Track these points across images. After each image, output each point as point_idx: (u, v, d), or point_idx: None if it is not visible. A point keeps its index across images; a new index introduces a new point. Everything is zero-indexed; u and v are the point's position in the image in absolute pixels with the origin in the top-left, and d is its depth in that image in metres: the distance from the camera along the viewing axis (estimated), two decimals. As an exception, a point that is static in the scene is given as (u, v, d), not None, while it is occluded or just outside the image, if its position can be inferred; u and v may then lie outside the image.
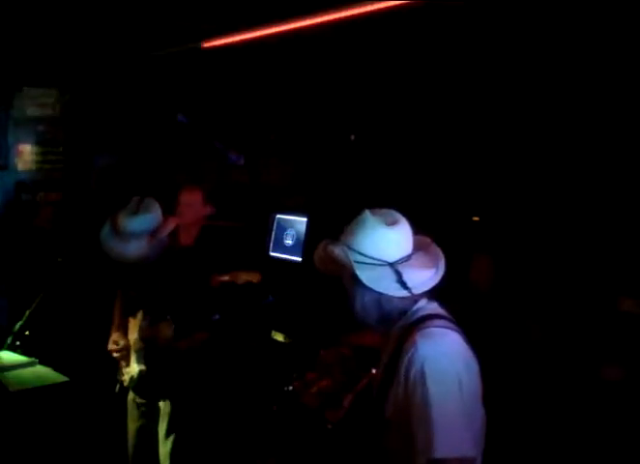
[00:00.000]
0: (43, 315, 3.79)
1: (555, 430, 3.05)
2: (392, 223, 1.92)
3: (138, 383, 3.20)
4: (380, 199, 4.47)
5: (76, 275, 4.77)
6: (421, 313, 1.90)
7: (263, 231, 5.15)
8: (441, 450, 1.69)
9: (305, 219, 4.91)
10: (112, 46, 5.03)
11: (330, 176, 4.99)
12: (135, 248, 3.07)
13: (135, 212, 3.11)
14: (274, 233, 5.13)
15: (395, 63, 4.01)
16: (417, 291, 1.87)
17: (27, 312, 3.70)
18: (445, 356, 1.78)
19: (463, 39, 3.43)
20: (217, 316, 3.38)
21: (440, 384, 1.73)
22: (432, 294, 1.94)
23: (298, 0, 3.53)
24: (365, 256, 1.87)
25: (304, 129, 5.37)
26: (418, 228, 2.03)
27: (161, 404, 3.30)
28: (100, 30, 4.67)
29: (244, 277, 3.42)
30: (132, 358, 3.20)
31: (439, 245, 2.06)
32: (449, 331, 1.86)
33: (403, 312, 1.91)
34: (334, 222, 4.79)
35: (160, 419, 3.30)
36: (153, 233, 3.10)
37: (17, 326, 3.68)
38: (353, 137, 4.87)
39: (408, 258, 1.90)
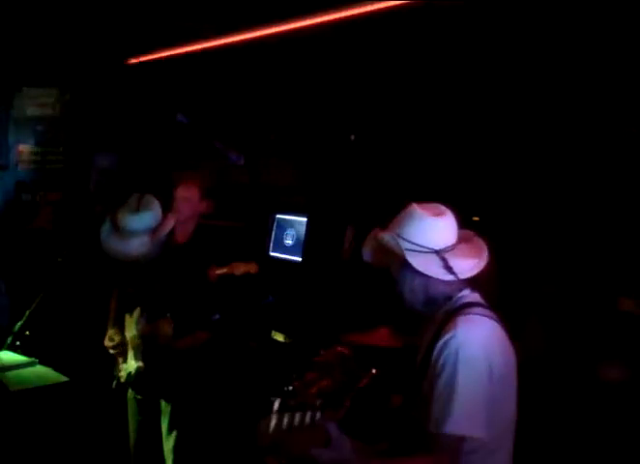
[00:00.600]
0: (43, 315, 3.79)
1: (554, 430, 3.05)
2: (439, 214, 2.06)
3: (135, 380, 3.20)
4: (380, 199, 4.48)
5: (76, 275, 4.77)
6: (464, 300, 2.03)
7: (263, 231, 5.16)
8: (450, 427, 1.81)
9: (304, 219, 4.92)
10: (112, 46, 5.03)
11: (330, 176, 4.99)
12: (136, 246, 3.07)
13: (135, 210, 3.11)
14: (274, 233, 5.13)
15: (395, 63, 4.01)
16: (462, 276, 2.00)
17: (27, 312, 3.70)
18: (480, 342, 1.89)
19: (463, 38, 3.43)
20: (217, 316, 3.37)
21: (469, 368, 1.84)
22: (475, 286, 2.08)
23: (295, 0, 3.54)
24: (414, 244, 2.00)
25: (304, 129, 5.37)
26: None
27: (162, 401, 3.30)
28: (99, 30, 4.67)
29: (241, 269, 3.42)
30: (130, 354, 3.20)
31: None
32: (489, 319, 1.98)
33: (448, 298, 2.04)
34: (334, 222, 4.83)
35: (162, 415, 3.30)
36: (153, 231, 3.10)
37: (17, 326, 3.68)
38: (353, 137, 4.88)
39: (453, 247, 2.04)
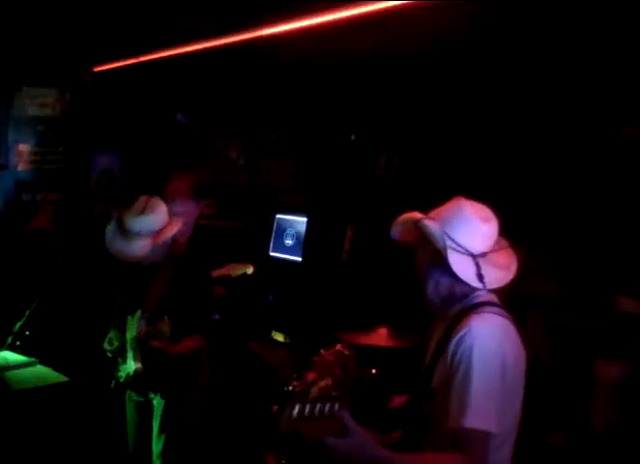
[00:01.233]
0: (43, 315, 3.79)
1: (554, 431, 3.05)
2: (487, 219, 2.05)
3: (134, 380, 3.20)
4: (380, 199, 4.48)
5: (76, 274, 4.77)
6: (479, 299, 2.03)
7: (263, 231, 5.16)
8: (470, 421, 1.81)
9: (305, 219, 4.92)
10: (111, 46, 5.03)
11: (330, 176, 4.99)
12: (139, 248, 3.09)
13: (141, 212, 3.12)
14: (274, 233, 5.13)
15: (395, 62, 4.01)
16: (490, 286, 2.02)
17: (27, 312, 3.70)
18: (495, 339, 1.91)
19: (463, 39, 3.43)
20: (217, 316, 3.37)
21: (485, 363, 1.85)
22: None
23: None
24: (455, 243, 2.00)
25: (304, 129, 5.37)
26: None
27: (155, 402, 3.30)
28: (99, 30, 4.67)
29: (238, 270, 3.42)
30: (129, 355, 3.21)
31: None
32: (502, 317, 1.99)
33: (465, 296, 2.05)
34: (334, 222, 4.82)
35: (154, 416, 3.30)
36: (158, 233, 3.11)
37: (17, 326, 3.68)
38: (353, 137, 4.88)
39: (487, 254, 2.04)
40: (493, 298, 2.06)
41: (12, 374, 3.57)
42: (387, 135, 4.69)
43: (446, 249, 1.97)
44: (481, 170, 3.81)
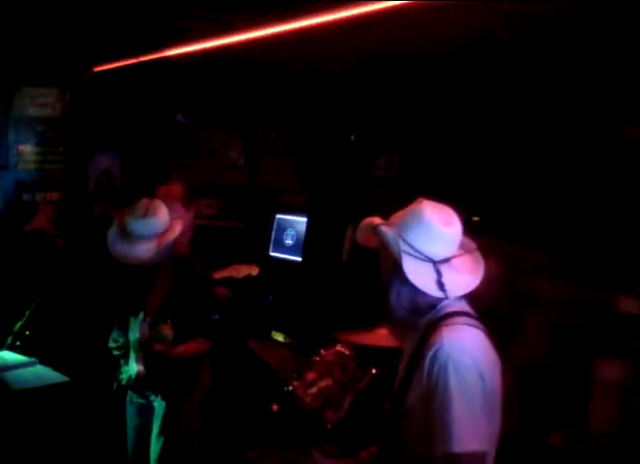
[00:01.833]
0: (43, 315, 3.79)
1: (553, 430, 3.05)
2: (448, 223, 1.94)
3: (136, 382, 3.21)
4: (380, 199, 4.47)
5: (76, 274, 4.77)
6: (448, 309, 1.92)
7: (263, 231, 5.16)
8: (457, 445, 1.73)
9: (305, 219, 4.92)
10: (111, 46, 5.03)
11: (330, 176, 4.99)
12: (142, 251, 3.09)
13: (143, 215, 3.12)
14: (274, 233, 5.13)
15: (395, 62, 4.01)
16: (452, 295, 1.90)
17: (27, 312, 3.70)
18: (469, 353, 1.82)
19: (463, 40, 3.43)
20: (216, 316, 3.37)
21: (462, 380, 1.77)
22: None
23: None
24: (413, 249, 1.89)
25: (304, 129, 5.37)
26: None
27: (156, 404, 3.30)
28: (99, 30, 4.67)
29: (243, 271, 3.42)
30: (132, 357, 3.21)
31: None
32: (474, 328, 1.89)
33: (432, 306, 1.93)
34: (334, 222, 4.82)
35: (155, 417, 3.30)
36: (161, 236, 3.12)
37: (17, 326, 3.68)
38: (353, 137, 4.88)
39: (450, 259, 1.92)
40: (463, 306, 1.96)
41: (12, 374, 3.57)
42: (387, 135, 4.69)
43: (401, 256, 1.87)
44: (481, 170, 3.81)
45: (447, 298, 1.91)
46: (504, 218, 3.60)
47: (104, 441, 3.91)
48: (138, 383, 3.21)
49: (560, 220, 3.39)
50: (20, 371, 3.63)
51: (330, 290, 4.44)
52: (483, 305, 2.72)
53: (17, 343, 3.70)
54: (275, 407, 3.03)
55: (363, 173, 4.78)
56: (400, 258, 1.87)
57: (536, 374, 3.08)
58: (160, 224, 3.15)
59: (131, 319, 3.23)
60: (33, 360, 3.73)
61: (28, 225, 5.26)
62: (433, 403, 1.79)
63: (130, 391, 3.38)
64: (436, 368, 1.79)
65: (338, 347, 2.95)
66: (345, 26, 3.22)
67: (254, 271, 3.45)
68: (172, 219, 3.22)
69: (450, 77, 3.86)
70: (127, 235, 3.11)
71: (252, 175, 5.71)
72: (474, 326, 1.90)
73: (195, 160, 5.70)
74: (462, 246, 1.98)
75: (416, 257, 1.88)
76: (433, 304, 1.93)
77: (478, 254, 2.00)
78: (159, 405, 3.29)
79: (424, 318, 1.94)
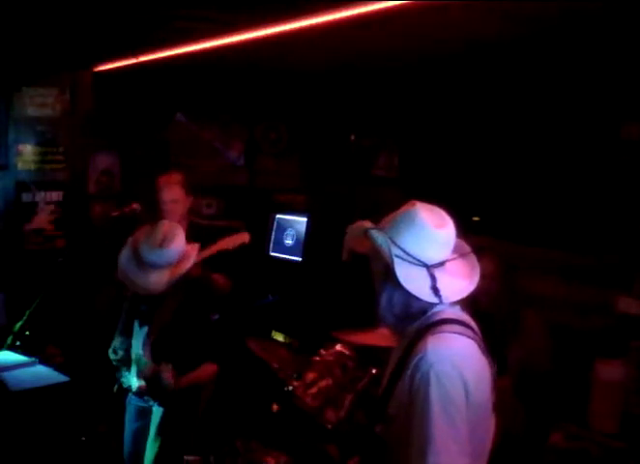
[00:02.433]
0: (43, 315, 3.78)
1: (553, 430, 3.05)
2: (441, 225, 1.86)
3: (136, 393, 3.21)
4: (380, 199, 4.47)
5: (76, 275, 4.77)
6: (439, 316, 1.85)
7: (263, 231, 5.16)
8: (433, 459, 1.68)
9: (304, 219, 4.92)
10: (111, 47, 5.03)
11: (330, 176, 4.99)
12: (153, 282, 2.98)
13: (159, 244, 2.98)
14: (274, 233, 5.13)
15: (395, 62, 4.01)
16: (446, 300, 1.84)
17: (27, 312, 3.70)
18: (454, 363, 1.75)
19: (463, 40, 3.43)
20: (216, 316, 3.37)
21: (444, 390, 1.71)
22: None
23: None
24: (406, 253, 1.82)
25: (304, 129, 5.37)
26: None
27: (155, 408, 3.29)
28: (98, 30, 4.67)
29: (235, 241, 3.33)
30: (133, 370, 3.19)
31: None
32: (462, 337, 1.82)
33: (424, 312, 1.87)
34: (333, 222, 4.82)
35: (151, 422, 3.29)
36: (174, 266, 3.01)
37: (17, 326, 3.68)
38: (353, 137, 4.88)
39: (444, 263, 1.86)
40: (456, 312, 1.88)
41: (11, 374, 3.57)
42: (387, 135, 4.69)
43: (393, 261, 1.80)
44: (482, 170, 3.81)
45: (441, 303, 1.85)
46: (503, 218, 3.60)
47: (102, 442, 3.91)
48: (139, 394, 3.22)
49: (560, 220, 3.39)
50: (20, 371, 3.62)
51: (330, 290, 4.44)
52: (483, 307, 2.73)
53: (17, 343, 3.70)
54: (275, 407, 3.03)
55: (363, 173, 4.78)
56: (392, 263, 1.81)
57: (536, 374, 3.08)
58: (176, 254, 3.01)
59: (136, 327, 3.20)
60: (33, 360, 3.72)
61: (28, 225, 5.26)
62: (413, 412, 1.74)
63: (129, 393, 3.38)
64: (418, 377, 1.74)
65: (338, 347, 2.95)
66: (345, 26, 3.21)
67: (246, 238, 3.34)
68: (188, 247, 3.09)
69: (450, 77, 3.86)
70: (140, 262, 3.00)
71: (252, 175, 5.71)
72: (464, 334, 1.83)
73: (195, 160, 5.70)
74: (456, 250, 1.92)
75: (409, 262, 1.82)
76: (425, 309, 1.86)
77: (473, 258, 1.94)
78: (157, 409, 3.28)
79: (414, 325, 1.88)
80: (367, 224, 1.95)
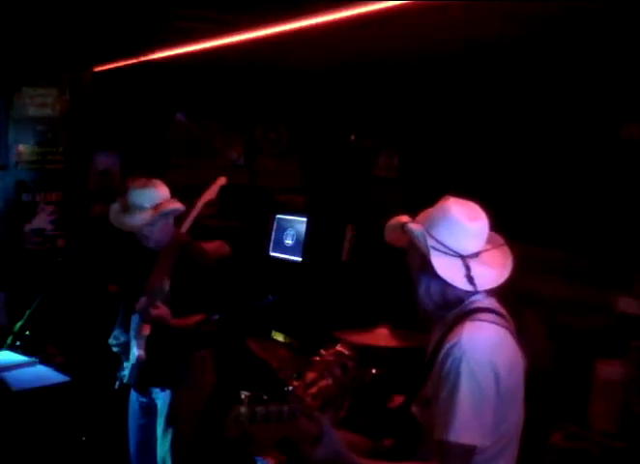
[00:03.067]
0: (43, 315, 3.79)
1: (553, 430, 3.05)
2: (474, 218, 1.98)
3: (137, 371, 3.21)
4: (380, 199, 4.47)
5: (76, 274, 4.77)
6: (475, 305, 1.96)
7: (263, 231, 5.16)
8: (454, 435, 1.78)
9: (304, 219, 4.92)
10: (111, 46, 5.03)
11: (330, 176, 5.00)
12: (140, 219, 3.21)
13: (143, 185, 3.29)
14: (274, 233, 5.13)
15: (394, 63, 4.01)
16: (481, 288, 1.94)
17: (27, 312, 3.70)
18: (487, 350, 1.84)
19: (463, 40, 3.43)
20: (216, 316, 3.37)
21: (474, 376, 1.80)
22: (492, 291, 2.01)
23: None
24: (442, 245, 1.93)
25: (304, 129, 5.37)
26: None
27: (159, 402, 3.30)
28: (98, 30, 4.67)
29: (214, 189, 3.48)
30: (133, 344, 3.21)
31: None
32: (497, 326, 1.91)
33: (461, 300, 1.98)
34: (334, 222, 4.82)
35: (158, 417, 3.30)
36: (158, 206, 3.23)
37: (18, 326, 3.69)
38: (353, 137, 4.88)
39: (478, 254, 1.97)
40: (491, 302, 2.00)
41: (12, 374, 3.57)
42: (386, 135, 4.69)
43: (429, 252, 1.92)
44: (482, 170, 3.81)
45: (476, 291, 1.95)
46: (503, 218, 3.60)
47: (105, 441, 3.92)
48: (140, 372, 3.21)
49: (560, 220, 3.39)
50: (20, 371, 3.63)
51: (330, 290, 4.44)
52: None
53: (17, 343, 3.70)
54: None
55: (363, 173, 4.78)
56: (429, 254, 1.92)
57: (535, 374, 3.08)
58: (159, 195, 3.27)
59: (133, 319, 3.23)
60: (33, 360, 3.72)
61: (28, 225, 5.26)
62: (441, 392, 1.84)
63: (132, 390, 3.38)
64: (449, 361, 1.84)
65: (338, 347, 2.95)
66: (345, 26, 3.22)
67: (223, 180, 3.51)
68: (173, 200, 3.33)
69: (450, 77, 3.86)
70: (127, 206, 3.26)
71: (252, 175, 5.71)
72: (499, 324, 1.93)
73: (195, 160, 5.70)
74: (490, 241, 2.03)
75: (444, 252, 1.93)
76: (462, 298, 1.98)
77: (506, 248, 2.06)
78: (162, 403, 3.29)
79: (452, 312, 1.99)
80: (405, 219, 2.06)
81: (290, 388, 2.80)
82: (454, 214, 1.97)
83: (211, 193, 3.45)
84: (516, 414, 1.93)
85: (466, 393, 1.79)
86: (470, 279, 1.92)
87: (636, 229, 3.11)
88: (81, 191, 5.51)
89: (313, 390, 2.73)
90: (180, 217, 3.36)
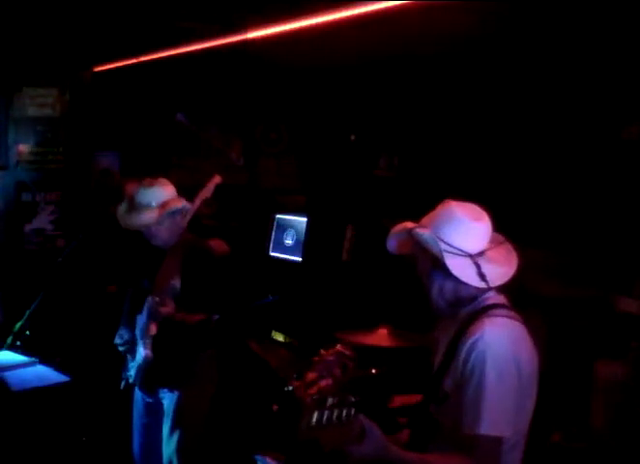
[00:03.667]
0: (43, 315, 3.79)
1: (553, 430, 3.05)
2: (478, 218, 2.06)
3: (143, 371, 3.21)
4: (380, 199, 4.47)
5: (76, 274, 4.77)
6: (490, 301, 2.03)
7: (263, 231, 5.16)
8: (485, 428, 1.84)
9: (304, 219, 4.92)
10: (111, 46, 5.03)
11: (330, 176, 4.99)
12: (146, 218, 3.21)
13: (150, 184, 3.28)
14: (274, 233, 5.13)
15: (395, 64, 4.01)
16: (493, 284, 2.01)
17: (27, 312, 3.70)
18: (508, 345, 1.91)
19: (463, 40, 3.43)
20: (216, 316, 3.37)
21: (499, 370, 1.86)
22: (500, 288, 2.07)
23: None
24: (451, 246, 2.00)
25: (304, 129, 5.37)
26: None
27: (165, 402, 3.30)
28: (99, 30, 4.67)
29: (210, 188, 3.49)
30: (139, 343, 3.21)
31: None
32: (515, 321, 1.99)
33: (473, 299, 2.04)
34: (334, 222, 4.83)
35: (165, 417, 3.30)
36: (164, 204, 3.23)
37: (18, 326, 3.68)
38: (353, 137, 4.88)
39: (484, 252, 2.04)
40: (502, 299, 2.06)
41: (12, 374, 3.57)
42: (387, 136, 4.69)
43: (442, 254, 1.98)
44: (482, 170, 3.81)
45: (489, 288, 2.01)
46: (503, 218, 3.60)
47: (106, 441, 3.91)
48: (147, 373, 3.21)
49: (560, 220, 3.39)
50: (20, 371, 3.62)
51: (330, 290, 4.44)
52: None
53: (17, 343, 3.70)
54: (275, 407, 3.03)
55: (363, 173, 4.78)
56: (442, 256, 1.98)
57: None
58: (165, 194, 3.27)
59: (138, 318, 3.22)
60: (33, 360, 3.72)
61: (28, 225, 5.26)
62: (467, 389, 1.89)
63: (137, 390, 3.38)
64: (473, 355, 1.89)
65: (338, 347, 2.95)
66: (345, 26, 3.22)
67: (217, 179, 3.52)
68: (179, 197, 3.32)
69: (450, 78, 3.86)
70: (134, 205, 3.26)
71: (252, 175, 5.71)
72: (514, 318, 1.99)
73: (195, 160, 5.70)
74: (493, 240, 2.10)
75: (454, 253, 1.99)
76: (475, 295, 2.04)
77: (508, 245, 2.13)
78: (168, 403, 3.28)
79: (465, 309, 2.05)
80: (410, 224, 2.11)
81: (290, 388, 2.80)
82: (459, 215, 2.04)
83: (207, 192, 3.46)
84: (529, 406, 2.00)
85: (492, 387, 1.85)
86: (482, 277, 1.99)
87: (637, 229, 3.11)
88: (81, 191, 5.51)
89: (313, 390, 2.72)
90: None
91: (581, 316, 3.25)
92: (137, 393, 3.39)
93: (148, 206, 3.23)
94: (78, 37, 4.78)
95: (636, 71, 3.04)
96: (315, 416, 1.67)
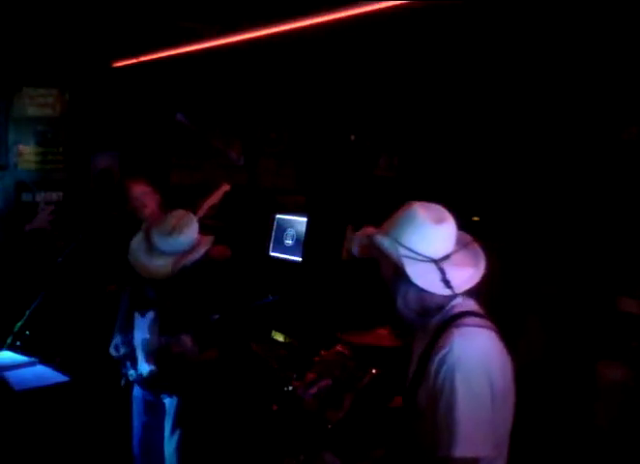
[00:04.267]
0: (43, 315, 3.78)
1: (553, 431, 3.05)
2: (441, 220, 1.94)
3: (147, 381, 3.20)
4: (380, 199, 4.47)
5: (76, 275, 4.77)
6: (458, 309, 1.92)
7: (263, 231, 5.16)
8: (460, 449, 1.74)
9: (304, 219, 4.92)
10: (111, 47, 5.04)
11: (330, 176, 4.99)
12: (161, 266, 3.00)
13: (169, 232, 3.02)
14: (274, 233, 5.13)
15: (395, 63, 4.01)
16: (458, 290, 1.90)
17: (27, 312, 3.70)
18: (478, 356, 1.81)
19: (461, 39, 3.43)
20: (216, 316, 3.37)
21: (469, 385, 1.77)
22: (469, 291, 1.96)
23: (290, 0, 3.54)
24: (412, 251, 1.89)
25: (304, 129, 5.37)
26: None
27: (167, 401, 3.30)
28: (99, 30, 4.68)
29: (218, 195, 3.44)
30: (140, 357, 3.19)
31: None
32: (485, 330, 1.88)
33: (441, 307, 1.94)
34: (334, 222, 4.82)
35: (167, 415, 3.30)
36: (182, 255, 3.02)
37: (18, 326, 3.68)
38: (353, 137, 4.88)
39: (449, 256, 1.92)
40: (472, 305, 1.96)
41: (12, 374, 3.56)
42: (387, 136, 4.69)
43: (403, 261, 1.88)
44: (481, 170, 3.81)
45: (455, 295, 1.91)
46: (503, 218, 3.60)
47: (107, 441, 3.91)
48: (149, 382, 3.20)
49: (560, 220, 3.39)
50: (20, 371, 3.62)
51: (330, 290, 4.44)
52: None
53: (17, 343, 3.70)
54: (275, 407, 3.03)
55: (363, 173, 4.78)
56: (402, 263, 1.88)
57: (536, 374, 3.08)
58: (184, 244, 3.03)
59: (137, 318, 3.20)
60: (33, 360, 3.72)
61: (28, 225, 5.26)
62: (438, 405, 1.80)
63: (137, 388, 3.37)
64: (443, 371, 1.80)
65: (338, 347, 2.95)
66: (345, 26, 3.22)
67: (227, 187, 3.43)
68: (200, 238, 3.11)
69: (450, 78, 3.86)
70: (149, 247, 3.04)
71: (252, 175, 5.71)
72: (485, 326, 1.89)
73: (195, 160, 5.70)
74: (459, 242, 1.98)
75: (416, 259, 1.89)
76: (442, 304, 1.94)
77: (475, 246, 2.01)
78: (169, 402, 3.28)
79: (434, 319, 1.95)
80: (371, 230, 2.02)
81: (290, 388, 2.80)
82: (421, 218, 1.92)
83: (215, 198, 3.38)
84: (508, 417, 1.91)
85: (464, 405, 1.75)
86: (446, 283, 1.88)
87: (637, 230, 3.11)
88: (81, 191, 5.51)
89: (313, 390, 2.73)
90: None
91: (583, 317, 3.25)
92: (137, 391, 3.38)
93: (164, 254, 3.00)
94: (78, 37, 4.78)
95: (636, 72, 3.04)
96: None
